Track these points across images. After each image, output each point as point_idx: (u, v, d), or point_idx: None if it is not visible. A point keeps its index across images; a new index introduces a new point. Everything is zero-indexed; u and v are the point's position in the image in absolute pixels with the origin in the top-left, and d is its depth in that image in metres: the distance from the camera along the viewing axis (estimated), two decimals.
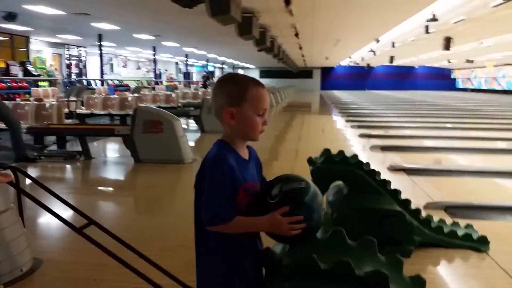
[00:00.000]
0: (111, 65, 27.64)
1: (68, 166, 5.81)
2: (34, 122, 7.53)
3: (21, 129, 5.86)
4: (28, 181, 3.15)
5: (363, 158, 2.93)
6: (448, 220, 3.06)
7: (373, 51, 20.84)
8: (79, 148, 6.05)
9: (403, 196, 2.80)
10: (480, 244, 2.82)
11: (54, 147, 6.92)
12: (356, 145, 7.40)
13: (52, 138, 7.31)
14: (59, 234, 3.11)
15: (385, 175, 4.55)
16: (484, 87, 33.12)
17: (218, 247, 1.30)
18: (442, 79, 39.15)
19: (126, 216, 3.83)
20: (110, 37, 16.36)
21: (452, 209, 3.61)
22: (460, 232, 2.86)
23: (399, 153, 6.41)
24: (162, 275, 2.22)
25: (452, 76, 39.58)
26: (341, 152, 2.82)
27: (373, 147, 6.85)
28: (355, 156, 2.82)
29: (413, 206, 2.81)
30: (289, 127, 10.64)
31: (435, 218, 2.96)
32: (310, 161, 2.83)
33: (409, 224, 2.71)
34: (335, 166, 2.75)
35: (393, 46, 16.94)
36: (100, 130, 6.77)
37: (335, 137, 8.86)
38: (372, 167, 2.81)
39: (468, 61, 27.52)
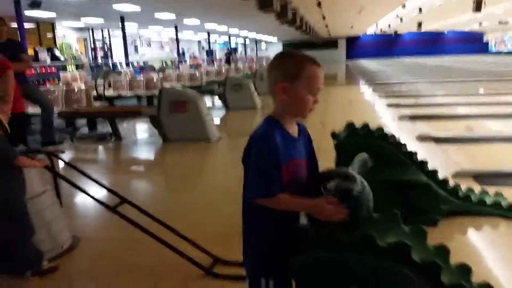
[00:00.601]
0: (135, 46, 27.84)
1: (100, 147, 6.00)
2: (65, 106, 7.73)
3: (53, 113, 6.03)
4: (62, 163, 3.28)
5: (391, 128, 2.90)
6: (477, 189, 3.01)
7: (400, 18, 20.11)
8: (109, 129, 6.24)
9: (432, 165, 2.77)
10: (509, 212, 2.77)
11: (85, 130, 7.14)
12: (384, 115, 7.28)
13: (83, 120, 7.52)
14: (94, 213, 3.26)
15: (414, 144, 4.50)
16: None
17: (258, 222, 1.33)
18: (473, 42, 37.54)
19: (157, 194, 3.96)
20: (132, 18, 16.45)
21: (481, 177, 3.54)
22: (489, 200, 2.82)
23: (428, 122, 6.26)
24: (192, 248, 2.33)
25: (485, 40, 37.85)
26: (365, 125, 2.80)
27: (402, 117, 6.73)
28: (380, 129, 2.78)
29: (441, 176, 2.78)
30: None
31: (464, 187, 2.93)
32: (334, 135, 2.82)
33: (436, 195, 2.69)
34: (359, 139, 2.73)
35: (420, 11, 16.28)
36: (129, 112, 6.92)
37: (363, 108, 8.73)
38: (400, 137, 2.77)
39: (501, 22, 26.18)
